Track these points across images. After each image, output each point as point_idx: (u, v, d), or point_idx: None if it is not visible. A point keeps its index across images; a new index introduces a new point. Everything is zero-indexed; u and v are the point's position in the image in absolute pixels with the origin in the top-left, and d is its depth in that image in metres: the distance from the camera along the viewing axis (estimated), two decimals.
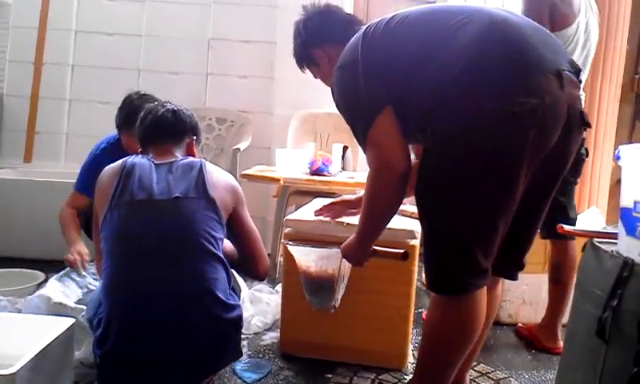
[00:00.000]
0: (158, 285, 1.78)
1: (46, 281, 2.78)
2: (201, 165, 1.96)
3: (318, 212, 2.35)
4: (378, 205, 1.71)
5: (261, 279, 2.26)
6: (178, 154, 2.05)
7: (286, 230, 2.35)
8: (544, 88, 1.47)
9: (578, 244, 2.43)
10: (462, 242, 1.57)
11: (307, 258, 2.06)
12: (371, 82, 1.63)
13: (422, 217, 1.67)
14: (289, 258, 2.28)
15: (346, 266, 1.98)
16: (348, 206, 2.31)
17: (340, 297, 2.07)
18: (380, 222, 1.77)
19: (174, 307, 1.77)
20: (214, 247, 1.86)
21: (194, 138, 2.15)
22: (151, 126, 2.07)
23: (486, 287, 1.65)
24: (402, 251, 1.90)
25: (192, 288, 1.80)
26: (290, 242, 2.19)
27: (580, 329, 1.46)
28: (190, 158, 2.03)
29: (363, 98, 1.64)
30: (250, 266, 2.10)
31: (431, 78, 1.55)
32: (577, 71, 1.59)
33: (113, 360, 1.77)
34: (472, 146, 1.49)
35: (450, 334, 1.65)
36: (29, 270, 3.05)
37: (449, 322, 1.64)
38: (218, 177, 1.99)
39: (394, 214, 1.74)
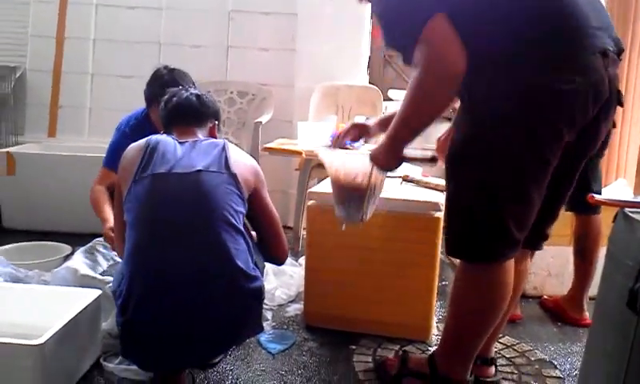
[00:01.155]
0: (178, 256, 1.78)
1: (72, 253, 2.81)
2: (224, 144, 1.96)
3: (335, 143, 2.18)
4: (422, 106, 1.59)
5: (279, 263, 2.24)
6: (201, 136, 2.06)
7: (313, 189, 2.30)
8: (592, 67, 1.47)
9: (604, 216, 2.39)
10: (495, 209, 1.55)
11: (336, 161, 1.98)
12: None
13: (454, 180, 1.64)
14: (312, 230, 2.27)
15: (378, 177, 1.88)
16: (364, 131, 2.15)
17: (370, 211, 1.97)
18: (418, 126, 1.64)
19: (194, 278, 1.77)
20: (235, 220, 1.86)
21: (216, 122, 2.16)
22: (177, 107, 2.08)
23: (513, 259, 1.63)
24: (430, 155, 1.83)
25: (213, 258, 1.80)
26: (323, 148, 2.13)
27: (610, 299, 1.44)
28: (213, 139, 2.04)
29: None
30: (269, 249, 2.09)
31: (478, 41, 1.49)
32: (620, 50, 1.58)
33: (133, 329, 1.79)
34: (514, 118, 1.49)
35: (477, 303, 1.64)
36: (55, 243, 3.09)
37: (476, 291, 1.63)
38: (241, 156, 2.00)
39: (434, 121, 1.62)
